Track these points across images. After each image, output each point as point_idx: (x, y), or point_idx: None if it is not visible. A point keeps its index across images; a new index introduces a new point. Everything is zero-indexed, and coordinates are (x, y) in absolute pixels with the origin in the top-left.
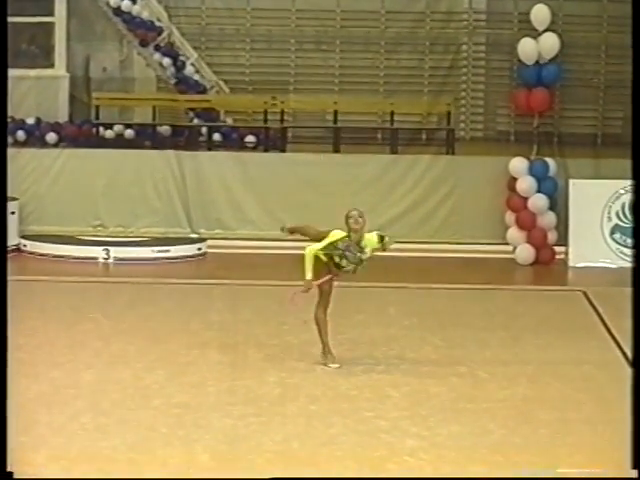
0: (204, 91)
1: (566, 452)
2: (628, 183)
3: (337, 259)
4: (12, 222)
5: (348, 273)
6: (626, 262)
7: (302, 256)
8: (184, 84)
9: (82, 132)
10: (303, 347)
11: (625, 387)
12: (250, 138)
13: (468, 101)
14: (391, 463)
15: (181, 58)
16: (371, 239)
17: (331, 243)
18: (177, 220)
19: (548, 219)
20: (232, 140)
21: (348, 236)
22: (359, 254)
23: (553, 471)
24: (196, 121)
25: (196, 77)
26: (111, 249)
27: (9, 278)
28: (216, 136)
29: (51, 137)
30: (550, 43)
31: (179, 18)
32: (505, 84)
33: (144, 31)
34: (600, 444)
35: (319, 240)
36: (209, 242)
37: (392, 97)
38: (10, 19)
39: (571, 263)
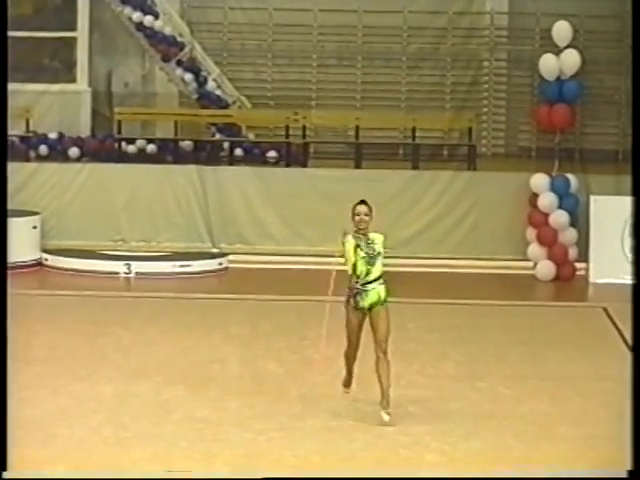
0: (226, 106)
1: (586, 468)
2: None
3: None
4: (34, 236)
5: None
6: None
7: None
8: (206, 99)
9: (104, 147)
10: (323, 362)
11: None
12: (272, 153)
13: (490, 117)
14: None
15: (203, 73)
16: (378, 237)
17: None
18: (198, 235)
19: (569, 235)
20: (254, 155)
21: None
22: (371, 246)
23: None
24: (218, 136)
25: (218, 92)
26: (132, 264)
27: (30, 292)
28: (238, 151)
29: (73, 152)
30: (571, 59)
31: (201, 33)
32: (526, 100)
33: (166, 46)
34: (620, 460)
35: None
36: (230, 257)
37: (414, 113)
38: (33, 34)
39: (592, 279)
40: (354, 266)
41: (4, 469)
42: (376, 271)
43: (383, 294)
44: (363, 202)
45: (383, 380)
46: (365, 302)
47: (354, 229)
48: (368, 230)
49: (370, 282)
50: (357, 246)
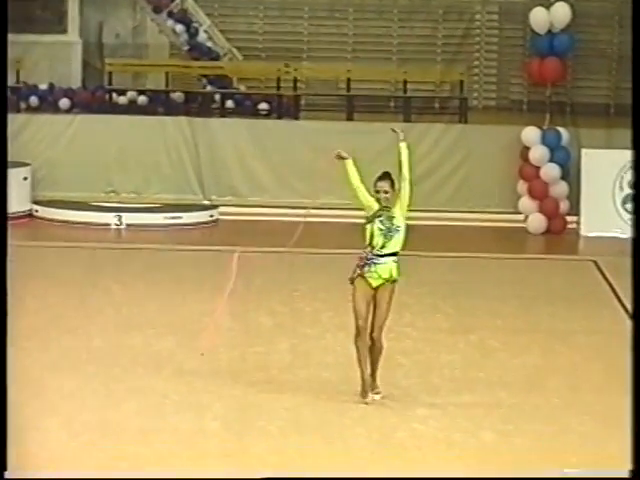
0: (217, 58)
1: (577, 421)
2: None
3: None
4: (25, 188)
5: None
6: None
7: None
8: (197, 51)
9: (95, 98)
10: (314, 314)
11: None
12: (263, 105)
13: (481, 70)
14: (401, 431)
15: (194, 25)
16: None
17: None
18: (189, 187)
19: (560, 188)
20: (245, 107)
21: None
22: (392, 220)
23: (560, 471)
24: (209, 88)
25: (209, 44)
26: (123, 215)
27: (21, 243)
28: (229, 103)
29: (64, 103)
30: (562, 12)
31: None
32: (518, 53)
33: None
34: (611, 412)
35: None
36: (221, 209)
37: (405, 65)
38: None
39: (582, 232)
40: (371, 236)
41: (4, 469)
42: (393, 246)
43: (395, 272)
44: (385, 176)
45: (374, 367)
46: (374, 275)
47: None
48: (391, 204)
49: (384, 255)
50: (377, 216)
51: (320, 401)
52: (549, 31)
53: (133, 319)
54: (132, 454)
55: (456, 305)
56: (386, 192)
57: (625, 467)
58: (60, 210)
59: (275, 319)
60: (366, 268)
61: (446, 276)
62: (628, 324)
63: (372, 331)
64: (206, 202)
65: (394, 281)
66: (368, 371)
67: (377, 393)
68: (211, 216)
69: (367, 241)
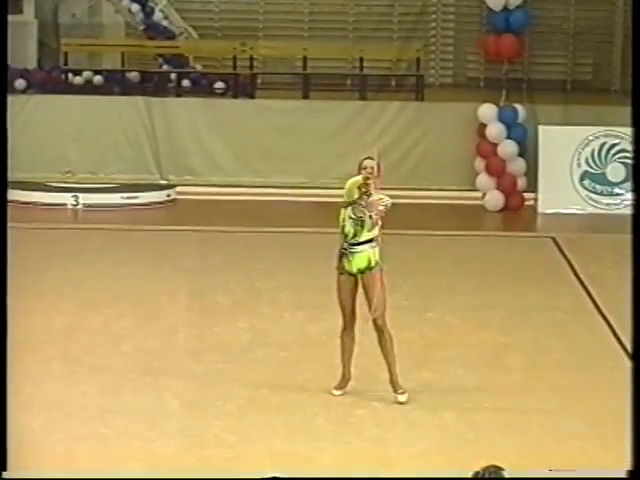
0: (173, 37)
1: (537, 398)
2: (598, 129)
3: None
4: None
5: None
6: (595, 208)
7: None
8: (153, 30)
9: (51, 78)
10: (273, 293)
11: (595, 333)
12: (219, 84)
13: (438, 47)
14: (361, 409)
15: (150, 4)
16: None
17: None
18: (146, 166)
19: (517, 165)
20: (201, 86)
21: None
22: (363, 209)
23: (559, 471)
24: (165, 67)
25: (165, 23)
26: (80, 195)
27: None
28: (185, 82)
29: (20, 83)
30: None
31: None
32: (474, 30)
33: None
34: (570, 388)
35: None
36: (178, 188)
37: (361, 43)
38: None
39: (540, 209)
40: (342, 226)
41: (4, 469)
42: (365, 234)
43: (374, 258)
44: (370, 158)
45: (388, 360)
46: (352, 266)
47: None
48: (371, 190)
49: (358, 244)
50: (352, 203)
51: (279, 380)
52: (505, 8)
53: (91, 299)
54: (92, 434)
55: (415, 283)
56: (371, 171)
57: (585, 442)
58: (16, 191)
59: (233, 298)
60: (344, 260)
61: (404, 254)
62: (586, 300)
63: (374, 320)
64: (163, 182)
65: (375, 266)
66: (351, 369)
67: (402, 393)
68: (168, 196)
69: (339, 228)
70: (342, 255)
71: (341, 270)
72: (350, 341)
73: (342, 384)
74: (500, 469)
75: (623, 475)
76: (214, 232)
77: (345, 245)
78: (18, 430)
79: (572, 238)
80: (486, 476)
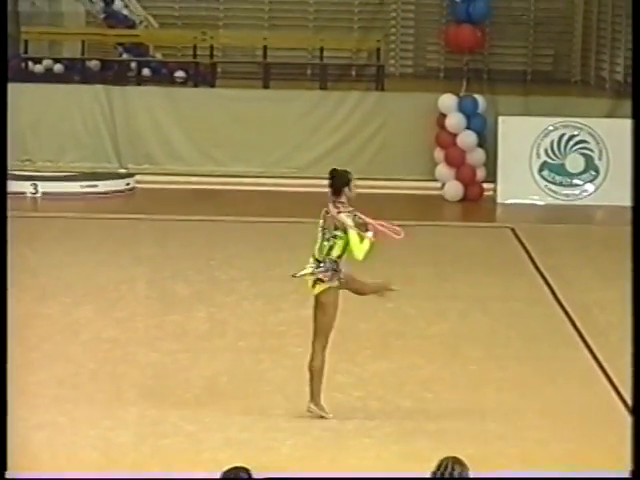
0: (133, 26)
1: (494, 388)
2: (557, 120)
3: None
4: None
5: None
6: (554, 199)
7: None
8: (113, 18)
9: (11, 66)
10: (231, 283)
11: (552, 323)
12: (179, 73)
13: (398, 37)
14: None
15: None
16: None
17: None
18: (105, 155)
19: (477, 156)
20: (161, 75)
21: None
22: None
23: (557, 471)
24: (125, 56)
25: (125, 12)
26: (39, 184)
27: None
28: (145, 71)
29: None
30: None
31: None
32: (435, 20)
33: None
34: (528, 378)
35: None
36: (137, 177)
37: (322, 33)
38: None
39: (499, 200)
40: (341, 249)
41: (4, 469)
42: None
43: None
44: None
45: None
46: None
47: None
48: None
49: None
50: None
51: (237, 369)
52: None
53: (50, 288)
54: (49, 422)
55: (372, 273)
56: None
57: (542, 432)
58: None
59: (192, 287)
60: (339, 275)
61: None
62: (545, 291)
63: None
64: (122, 170)
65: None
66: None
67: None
68: (127, 184)
69: (339, 252)
70: (334, 272)
71: (335, 287)
72: (322, 365)
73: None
74: (459, 462)
75: (623, 475)
76: (173, 221)
77: (337, 265)
78: None
79: (531, 228)
80: (447, 470)
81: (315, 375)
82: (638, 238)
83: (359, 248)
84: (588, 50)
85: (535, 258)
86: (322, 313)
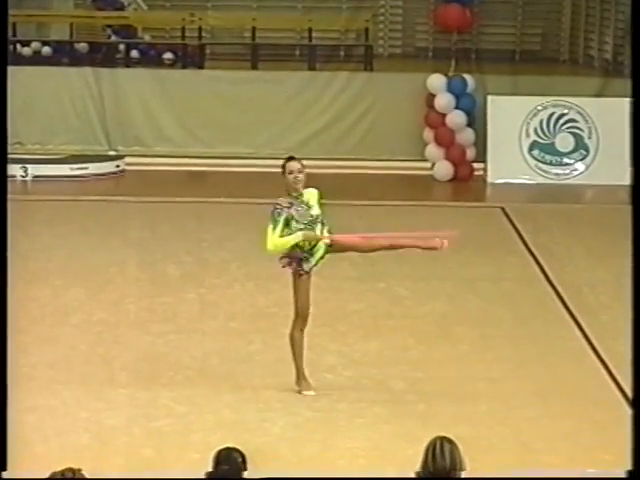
0: (121, 8)
1: (485, 367)
2: (546, 99)
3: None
4: None
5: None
6: (544, 178)
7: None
8: (101, 1)
9: None
10: (221, 264)
11: (543, 303)
12: (168, 55)
13: (386, 17)
14: (310, 379)
15: None
16: (312, 194)
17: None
18: (95, 137)
19: (466, 135)
20: (150, 57)
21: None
22: (308, 212)
23: (556, 471)
24: (114, 38)
25: None
26: (29, 167)
27: None
28: (134, 53)
29: None
30: None
31: None
32: (423, 0)
33: None
34: (519, 359)
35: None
36: (127, 159)
37: (310, 13)
38: None
39: (489, 179)
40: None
41: (4, 469)
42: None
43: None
44: (293, 158)
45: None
46: (311, 263)
47: (288, 190)
48: (301, 189)
49: (315, 245)
50: (289, 220)
51: (228, 351)
52: None
53: (41, 270)
54: (41, 405)
55: (363, 254)
56: (300, 171)
57: (534, 411)
58: None
59: (182, 269)
60: (303, 264)
61: (353, 224)
62: (536, 270)
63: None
64: (112, 153)
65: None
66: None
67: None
68: (117, 166)
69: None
70: (301, 260)
71: (300, 272)
72: (302, 338)
73: (302, 382)
74: (449, 440)
75: (622, 475)
76: (163, 203)
77: (303, 253)
78: None
79: (521, 208)
80: (437, 448)
81: (295, 347)
82: (638, 217)
83: (269, 238)
84: (577, 29)
85: (525, 237)
86: (294, 298)
